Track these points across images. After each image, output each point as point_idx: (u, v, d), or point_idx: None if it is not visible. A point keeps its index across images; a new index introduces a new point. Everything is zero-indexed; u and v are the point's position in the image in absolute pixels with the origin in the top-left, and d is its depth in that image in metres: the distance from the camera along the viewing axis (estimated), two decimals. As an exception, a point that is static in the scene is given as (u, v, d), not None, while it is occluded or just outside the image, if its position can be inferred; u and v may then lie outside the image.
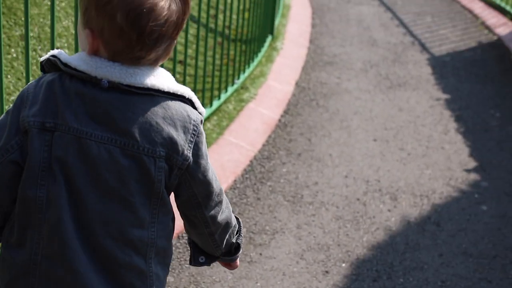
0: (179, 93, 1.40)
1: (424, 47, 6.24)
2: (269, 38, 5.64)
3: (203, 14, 4.99)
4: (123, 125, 1.34)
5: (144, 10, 1.29)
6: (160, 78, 1.38)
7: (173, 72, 3.56)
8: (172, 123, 1.37)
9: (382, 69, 5.65)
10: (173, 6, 1.32)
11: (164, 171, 1.38)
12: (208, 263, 1.64)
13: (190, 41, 4.51)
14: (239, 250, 1.65)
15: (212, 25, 5.15)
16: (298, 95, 4.96)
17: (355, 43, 6.22)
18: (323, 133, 4.40)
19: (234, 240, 1.62)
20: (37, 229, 1.36)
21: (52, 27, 2.54)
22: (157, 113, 1.36)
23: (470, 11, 7.36)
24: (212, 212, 1.50)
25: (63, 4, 4.13)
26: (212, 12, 5.30)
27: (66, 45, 3.83)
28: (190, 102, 1.43)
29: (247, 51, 4.81)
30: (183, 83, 3.75)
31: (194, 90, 3.97)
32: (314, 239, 3.23)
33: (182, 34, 3.79)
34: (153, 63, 1.38)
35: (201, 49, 4.41)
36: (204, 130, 3.75)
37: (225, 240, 1.58)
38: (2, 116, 1.42)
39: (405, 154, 4.22)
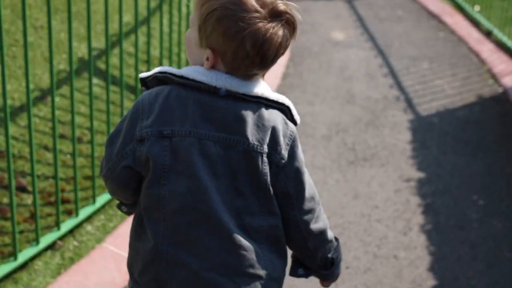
0: (280, 101, 1.63)
1: (410, 104, 5.25)
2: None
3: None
4: (237, 126, 1.57)
5: (268, 38, 1.53)
6: (266, 89, 1.62)
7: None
8: (276, 126, 1.60)
9: (350, 136, 4.68)
10: (286, 31, 1.56)
11: (268, 165, 1.58)
12: (306, 275, 1.79)
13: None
14: (333, 266, 1.78)
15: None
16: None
17: (327, 100, 5.26)
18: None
19: (329, 255, 1.75)
20: (161, 222, 1.58)
21: None
22: (264, 117, 1.59)
23: (477, 55, 6.32)
24: (305, 217, 1.65)
25: None
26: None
27: None
28: (288, 110, 1.64)
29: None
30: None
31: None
32: None
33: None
34: (262, 77, 1.63)
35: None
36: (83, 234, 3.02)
37: (319, 252, 1.73)
38: (118, 123, 1.63)
39: (343, 267, 3.27)
